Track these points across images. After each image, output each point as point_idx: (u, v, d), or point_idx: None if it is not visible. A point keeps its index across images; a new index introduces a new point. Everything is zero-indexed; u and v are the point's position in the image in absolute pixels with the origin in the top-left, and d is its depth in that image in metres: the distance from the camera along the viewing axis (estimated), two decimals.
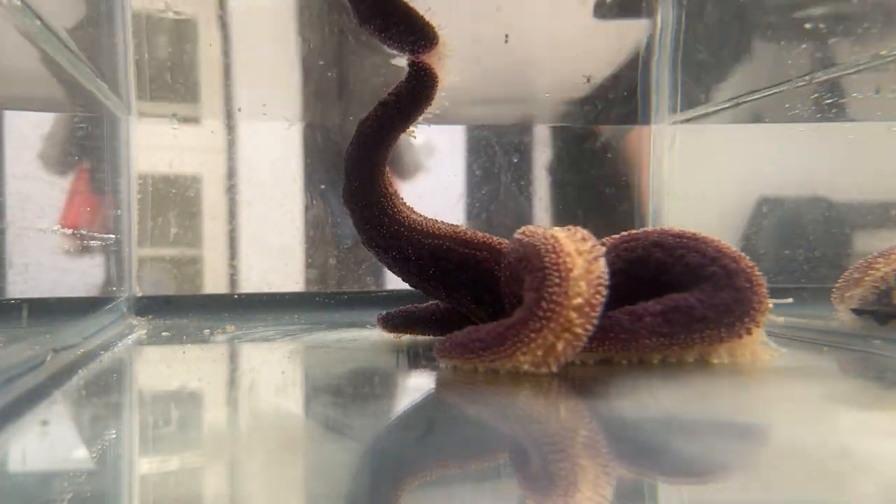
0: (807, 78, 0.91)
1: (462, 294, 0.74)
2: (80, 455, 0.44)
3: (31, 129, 0.79)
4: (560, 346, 0.57)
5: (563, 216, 1.19)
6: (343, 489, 0.37)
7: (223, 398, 0.60)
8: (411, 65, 0.68)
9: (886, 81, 0.81)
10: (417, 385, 0.64)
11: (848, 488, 0.38)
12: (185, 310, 1.10)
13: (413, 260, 0.72)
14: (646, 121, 1.22)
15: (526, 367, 0.58)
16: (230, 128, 1.15)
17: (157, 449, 0.46)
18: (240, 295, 1.15)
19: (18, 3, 0.65)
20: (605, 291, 0.59)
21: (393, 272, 0.76)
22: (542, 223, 1.17)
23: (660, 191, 1.19)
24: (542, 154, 1.20)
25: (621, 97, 1.22)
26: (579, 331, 0.57)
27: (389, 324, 0.82)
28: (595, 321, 0.58)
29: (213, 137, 1.15)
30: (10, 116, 0.78)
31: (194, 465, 0.42)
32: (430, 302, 0.81)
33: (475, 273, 0.72)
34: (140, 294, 1.10)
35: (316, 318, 1.06)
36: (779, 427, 0.49)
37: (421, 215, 0.75)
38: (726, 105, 1.07)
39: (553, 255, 0.58)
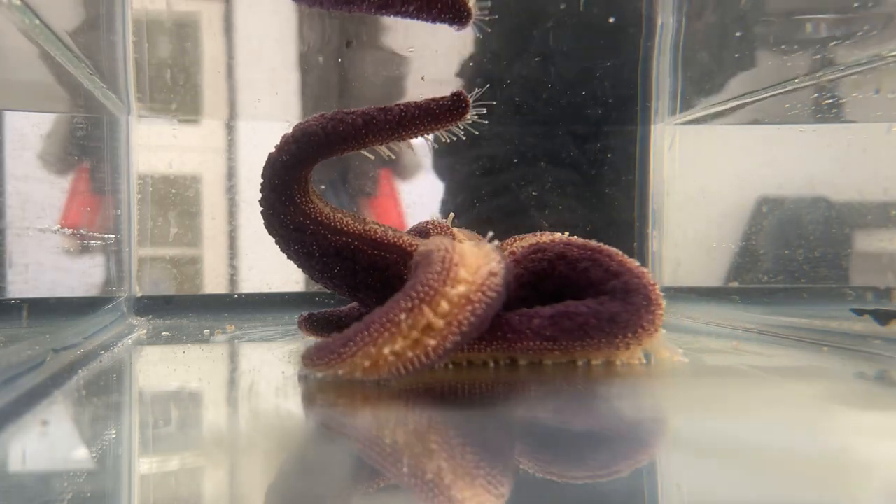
0: (807, 79, 0.91)
1: (368, 295, 0.69)
2: (79, 455, 0.44)
3: (32, 129, 0.79)
4: (430, 340, 0.53)
5: (563, 216, 1.19)
6: (343, 489, 0.37)
7: (223, 398, 0.60)
8: (454, 95, 0.65)
9: (886, 82, 0.81)
10: (417, 384, 0.64)
11: (848, 488, 0.38)
12: (185, 310, 1.10)
13: (317, 256, 0.68)
14: (646, 121, 1.22)
15: (391, 366, 0.54)
16: (230, 128, 1.15)
17: (157, 449, 0.46)
18: (240, 295, 1.15)
19: (18, 2, 0.65)
20: (493, 295, 0.56)
21: (295, 264, 0.71)
22: (542, 223, 1.17)
23: (660, 191, 1.19)
24: (542, 154, 1.20)
25: (622, 98, 1.22)
26: (453, 324, 0.54)
27: (311, 326, 0.78)
28: (474, 320, 0.55)
29: (213, 137, 1.15)
30: (11, 116, 0.78)
31: (194, 465, 0.42)
32: (352, 305, 0.77)
33: (384, 275, 0.68)
34: (140, 294, 1.10)
35: None
36: (778, 427, 0.49)
37: (334, 208, 0.70)
38: (726, 105, 1.07)
39: (444, 252, 0.57)
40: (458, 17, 0.62)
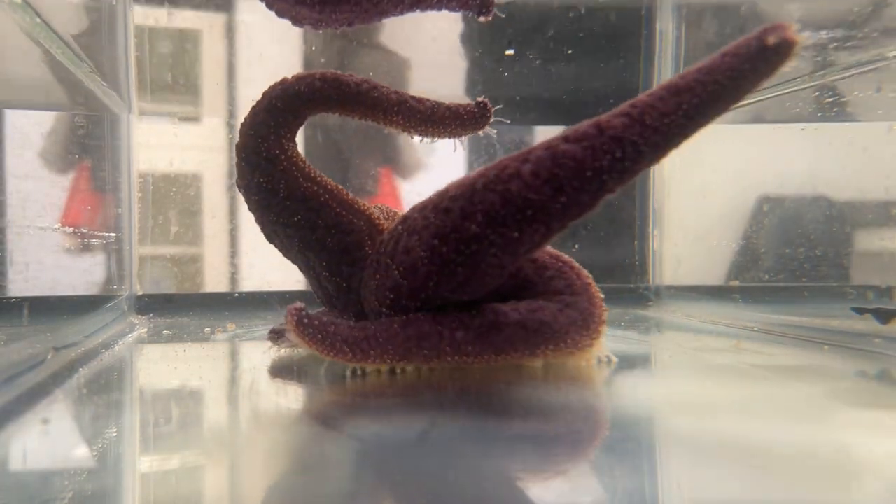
0: (808, 79, 0.91)
1: (319, 258, 0.66)
2: (80, 453, 0.44)
3: (32, 127, 0.79)
4: None
5: None
6: (343, 488, 0.37)
7: (224, 397, 0.60)
8: (480, 104, 0.66)
9: (887, 80, 0.81)
10: (418, 381, 0.64)
11: (849, 486, 0.38)
12: (185, 308, 1.10)
13: (279, 197, 0.64)
14: None
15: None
16: (231, 126, 1.15)
17: (158, 447, 0.46)
18: (240, 293, 1.15)
19: (19, 1, 0.65)
20: None
21: (249, 206, 0.67)
22: None
23: (661, 190, 1.19)
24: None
25: (622, 97, 1.21)
26: None
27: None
28: None
29: (214, 136, 1.15)
30: (11, 115, 0.78)
31: (194, 463, 0.42)
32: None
33: (344, 240, 0.65)
34: (141, 292, 1.10)
35: None
36: (779, 425, 0.49)
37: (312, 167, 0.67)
38: None
39: None
40: (482, 6, 0.64)
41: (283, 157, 0.64)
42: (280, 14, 0.66)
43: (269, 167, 0.64)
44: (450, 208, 0.55)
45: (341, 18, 0.64)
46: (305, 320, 0.53)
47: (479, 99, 0.66)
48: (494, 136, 0.68)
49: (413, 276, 0.57)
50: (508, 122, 0.67)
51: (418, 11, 0.65)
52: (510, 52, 1.20)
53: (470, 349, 0.56)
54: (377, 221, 0.66)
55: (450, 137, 0.67)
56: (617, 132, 0.49)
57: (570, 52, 1.19)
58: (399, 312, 0.59)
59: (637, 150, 0.49)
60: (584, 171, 0.50)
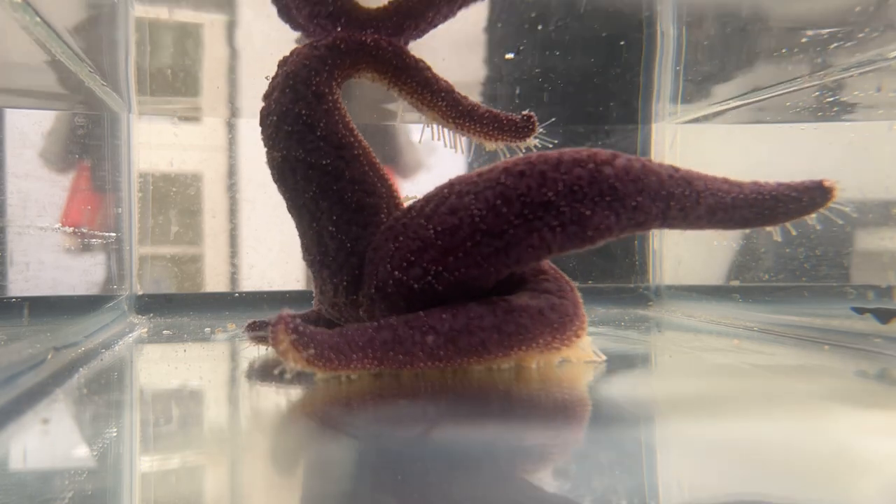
0: (808, 79, 0.91)
1: (332, 210, 0.63)
2: (80, 453, 0.44)
3: (32, 127, 0.79)
4: None
5: None
6: (343, 487, 0.37)
7: (224, 396, 0.60)
8: (525, 117, 0.69)
9: (888, 80, 0.81)
10: (418, 381, 0.64)
11: (848, 487, 0.38)
12: (185, 308, 1.10)
13: (316, 135, 0.63)
14: (647, 120, 1.22)
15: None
16: (231, 126, 1.15)
17: (158, 447, 0.46)
18: (240, 293, 1.15)
19: (20, 0, 0.65)
20: None
21: (274, 135, 0.64)
22: None
23: None
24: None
25: (623, 97, 1.22)
26: None
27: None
28: None
29: (214, 135, 1.15)
30: (11, 114, 0.78)
31: (195, 463, 0.42)
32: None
33: (362, 199, 0.63)
34: (141, 292, 1.10)
35: None
36: (779, 425, 0.49)
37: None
38: (728, 105, 1.07)
39: None
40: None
41: (330, 97, 0.64)
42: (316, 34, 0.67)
43: (314, 102, 0.63)
44: (525, 172, 0.56)
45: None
46: (301, 328, 0.51)
47: (526, 112, 0.68)
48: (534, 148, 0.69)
49: (451, 235, 0.57)
50: (554, 143, 0.67)
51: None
52: (510, 56, 1.20)
53: (442, 353, 0.56)
54: (397, 195, 0.65)
55: (482, 140, 0.69)
56: (701, 185, 0.56)
57: (570, 53, 1.19)
58: (410, 279, 0.58)
59: (697, 202, 0.56)
60: (659, 189, 0.55)
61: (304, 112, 0.63)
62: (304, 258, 0.68)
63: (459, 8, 0.67)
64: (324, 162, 0.63)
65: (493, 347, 0.57)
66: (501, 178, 0.57)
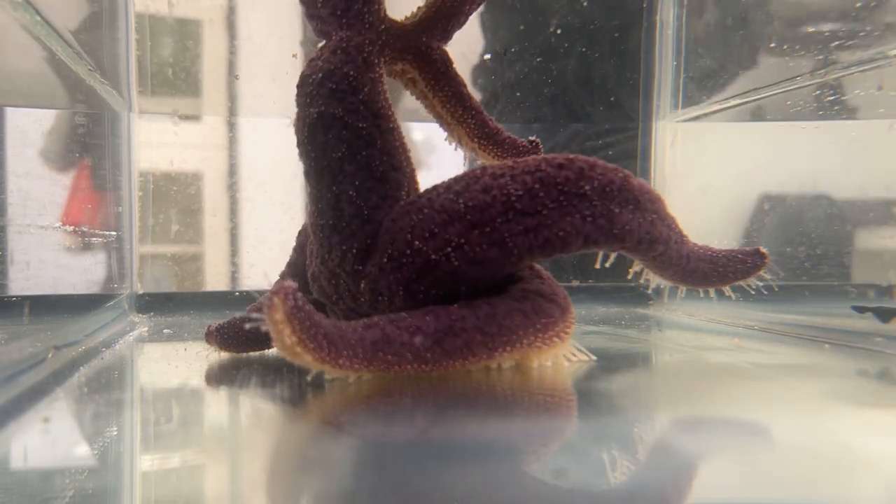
0: (809, 76, 0.90)
1: (357, 175, 0.63)
2: (81, 452, 0.44)
3: (33, 125, 0.79)
4: None
5: None
6: (344, 487, 0.37)
7: (224, 395, 0.60)
8: (532, 142, 0.73)
9: (889, 78, 0.81)
10: (417, 380, 0.64)
11: (849, 486, 0.38)
12: (186, 307, 1.10)
13: (359, 98, 0.63)
14: (648, 118, 1.22)
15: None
16: (231, 124, 1.15)
17: (159, 446, 0.46)
18: (241, 292, 1.15)
19: None
20: None
21: (316, 92, 0.64)
22: None
23: (662, 188, 1.19)
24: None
25: (623, 95, 1.21)
26: None
27: (222, 339, 0.72)
28: None
29: (215, 134, 1.15)
30: (12, 113, 0.78)
31: (195, 462, 0.42)
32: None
33: (388, 171, 0.63)
34: (141, 291, 1.10)
35: None
36: (779, 424, 0.49)
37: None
38: (728, 103, 1.07)
39: None
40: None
41: (377, 69, 0.65)
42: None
43: (363, 67, 0.64)
44: (564, 165, 0.59)
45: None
46: (300, 302, 0.48)
47: (532, 138, 0.73)
48: None
49: (482, 211, 0.58)
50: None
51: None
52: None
53: (429, 356, 0.56)
54: (416, 179, 0.67)
55: (495, 158, 0.72)
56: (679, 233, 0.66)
57: (569, 45, 1.19)
58: (429, 250, 0.58)
59: (683, 242, 0.66)
60: (665, 217, 0.63)
61: (351, 73, 0.64)
62: (313, 224, 0.66)
63: None
64: (360, 125, 0.63)
65: (477, 348, 0.57)
66: (542, 165, 0.59)
